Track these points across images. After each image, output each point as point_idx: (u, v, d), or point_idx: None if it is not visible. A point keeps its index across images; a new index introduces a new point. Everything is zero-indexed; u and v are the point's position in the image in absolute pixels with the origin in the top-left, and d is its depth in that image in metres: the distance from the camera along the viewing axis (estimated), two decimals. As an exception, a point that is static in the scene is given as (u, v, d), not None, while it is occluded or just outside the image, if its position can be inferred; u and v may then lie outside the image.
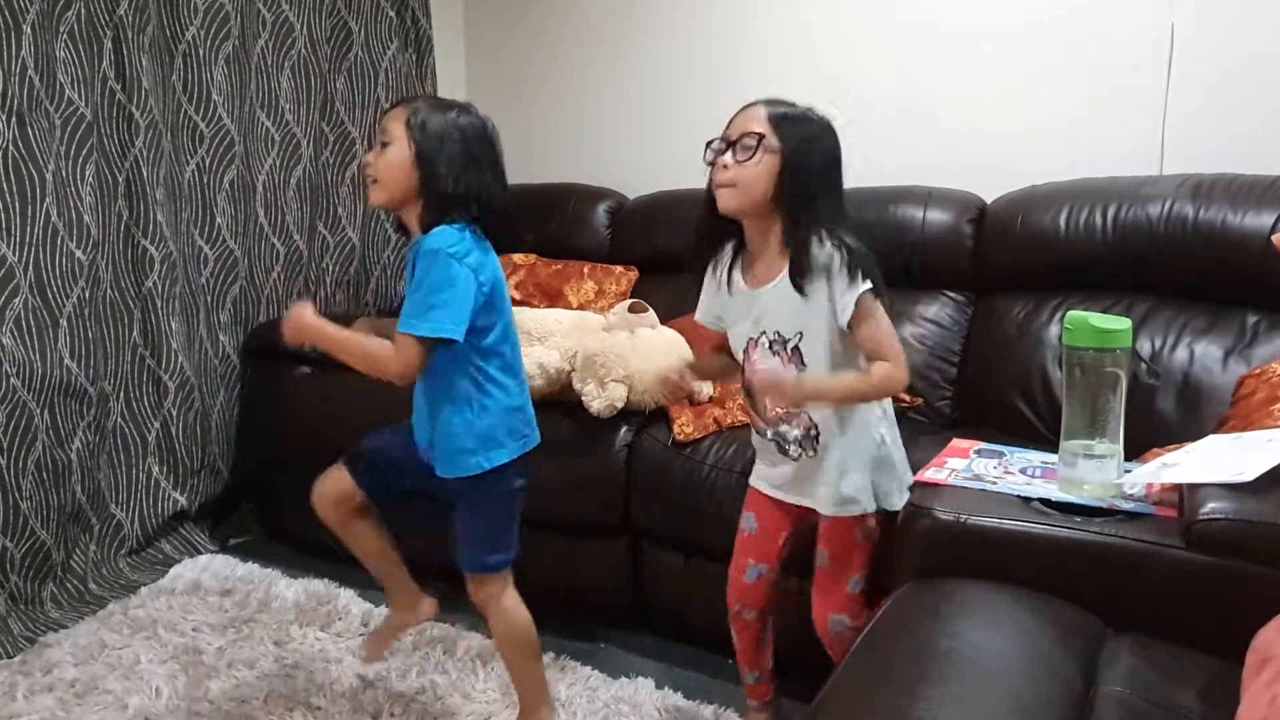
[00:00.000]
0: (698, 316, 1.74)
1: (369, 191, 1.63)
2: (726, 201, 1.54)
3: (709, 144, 1.57)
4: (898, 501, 1.56)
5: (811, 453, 1.58)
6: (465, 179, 1.57)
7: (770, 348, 1.57)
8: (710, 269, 1.69)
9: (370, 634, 1.98)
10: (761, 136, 1.50)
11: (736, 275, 1.63)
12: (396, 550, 1.83)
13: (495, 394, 1.63)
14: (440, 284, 1.51)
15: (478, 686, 1.96)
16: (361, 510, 1.75)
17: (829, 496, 1.57)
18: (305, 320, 1.59)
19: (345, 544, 1.80)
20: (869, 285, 1.47)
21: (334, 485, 1.73)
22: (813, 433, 1.57)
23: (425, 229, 1.56)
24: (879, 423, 1.59)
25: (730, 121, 1.56)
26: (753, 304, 1.59)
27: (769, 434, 1.63)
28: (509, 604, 1.75)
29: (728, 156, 1.53)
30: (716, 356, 1.77)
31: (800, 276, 1.49)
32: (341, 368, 1.61)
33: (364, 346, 1.56)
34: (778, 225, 1.54)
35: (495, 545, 1.71)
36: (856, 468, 1.56)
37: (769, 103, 1.55)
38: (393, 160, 1.57)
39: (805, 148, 1.51)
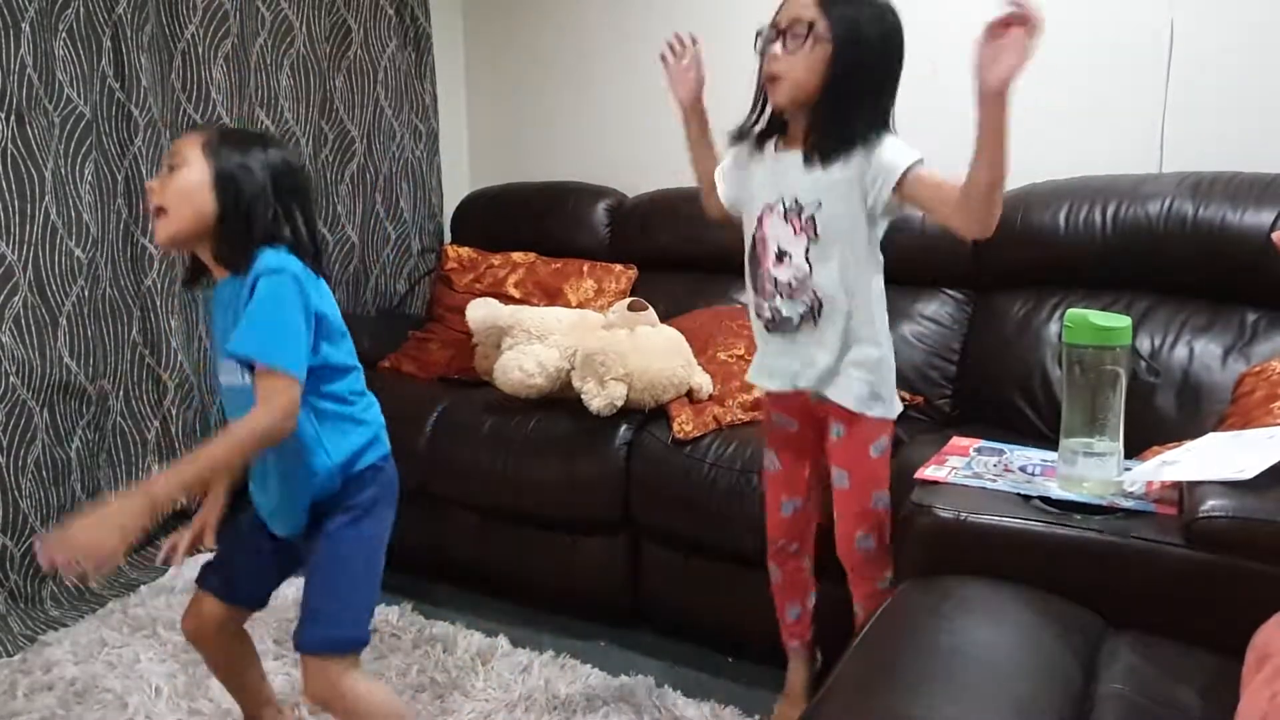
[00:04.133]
0: (718, 187, 1.71)
1: (154, 225, 1.41)
2: (778, 95, 1.50)
3: (758, 33, 1.52)
4: (894, 411, 1.59)
5: (813, 327, 1.56)
6: (272, 209, 1.39)
7: (785, 215, 1.54)
8: (738, 151, 1.65)
9: None
10: (811, 25, 1.44)
11: (769, 145, 1.59)
12: (259, 664, 1.69)
13: (348, 413, 1.46)
14: (290, 310, 1.33)
15: (477, 685, 1.96)
16: (244, 637, 1.62)
17: (844, 380, 1.56)
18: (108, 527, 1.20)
19: (219, 675, 1.66)
20: (912, 161, 1.45)
21: (198, 619, 1.56)
22: (816, 308, 1.55)
23: (232, 264, 1.39)
24: (885, 334, 1.60)
25: (781, 6, 1.50)
26: (775, 170, 1.56)
27: (766, 309, 1.61)
28: (364, 692, 1.45)
29: (777, 46, 1.47)
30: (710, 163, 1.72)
31: (824, 147, 1.48)
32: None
33: (230, 441, 1.32)
34: (824, 103, 1.49)
35: (355, 613, 1.45)
36: (864, 368, 1.56)
37: None
38: (184, 183, 1.38)
39: (860, 31, 1.43)
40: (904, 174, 1.46)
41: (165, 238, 1.42)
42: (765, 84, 1.52)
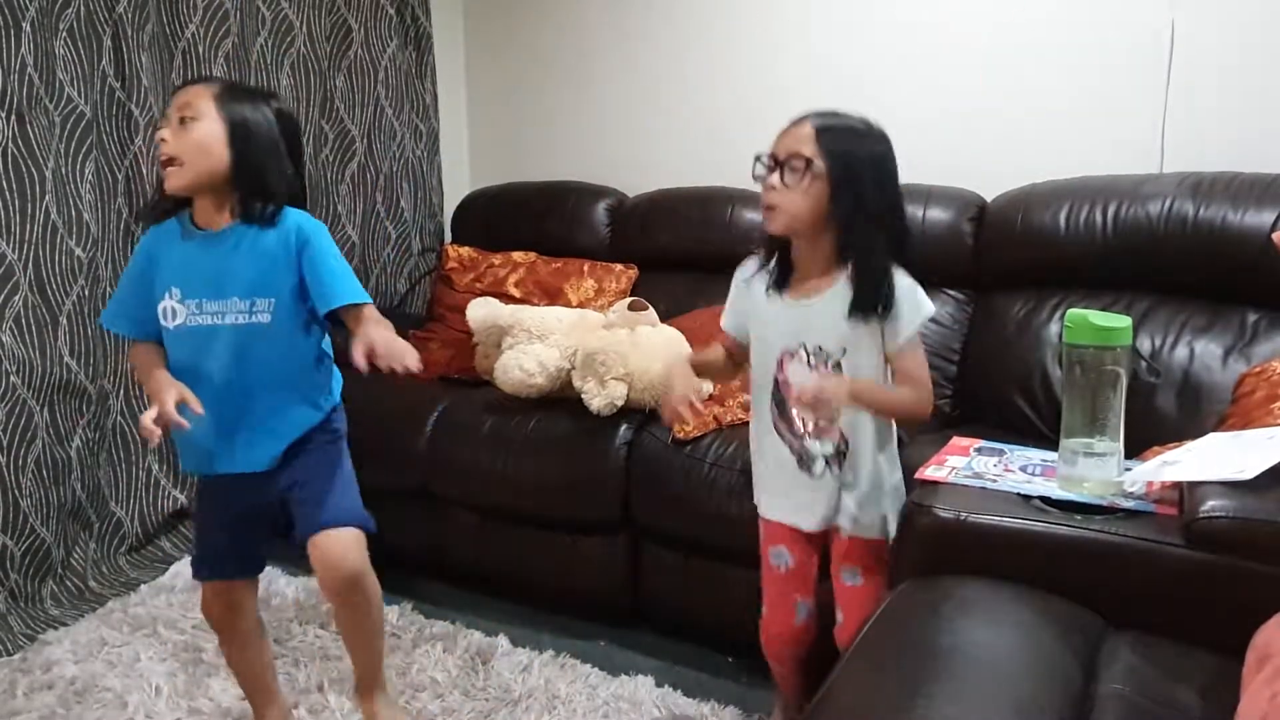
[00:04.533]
0: (724, 324, 1.69)
1: (165, 174, 1.48)
2: (773, 224, 1.51)
3: (757, 158, 1.52)
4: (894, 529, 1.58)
5: (837, 469, 1.56)
6: (282, 164, 1.51)
7: (809, 361, 1.54)
8: (742, 277, 1.64)
9: None
10: (809, 162, 1.46)
11: (773, 288, 1.58)
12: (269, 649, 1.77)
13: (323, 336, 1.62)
14: (340, 257, 1.54)
15: (477, 684, 1.96)
16: (255, 616, 1.69)
17: (867, 517, 1.56)
18: None
19: (231, 660, 1.72)
20: (909, 335, 1.50)
21: (220, 602, 1.64)
22: (842, 449, 1.55)
23: (251, 215, 1.50)
24: (895, 447, 1.60)
25: (780, 137, 1.51)
26: (794, 317, 1.55)
27: (795, 447, 1.59)
28: (366, 563, 1.56)
29: (774, 178, 1.49)
30: (715, 352, 1.72)
31: (866, 307, 1.48)
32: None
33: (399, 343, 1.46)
34: (827, 242, 1.50)
35: (357, 499, 1.59)
36: (887, 493, 1.57)
37: (818, 116, 1.50)
38: (201, 138, 1.45)
39: (855, 169, 1.46)
40: (906, 339, 1.51)
41: (177, 187, 1.48)
42: (763, 212, 1.53)
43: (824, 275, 1.53)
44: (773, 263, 1.58)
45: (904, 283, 1.51)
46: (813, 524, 1.59)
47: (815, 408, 1.48)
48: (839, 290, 1.51)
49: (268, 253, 1.50)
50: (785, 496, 1.62)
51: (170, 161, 1.46)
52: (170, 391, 1.44)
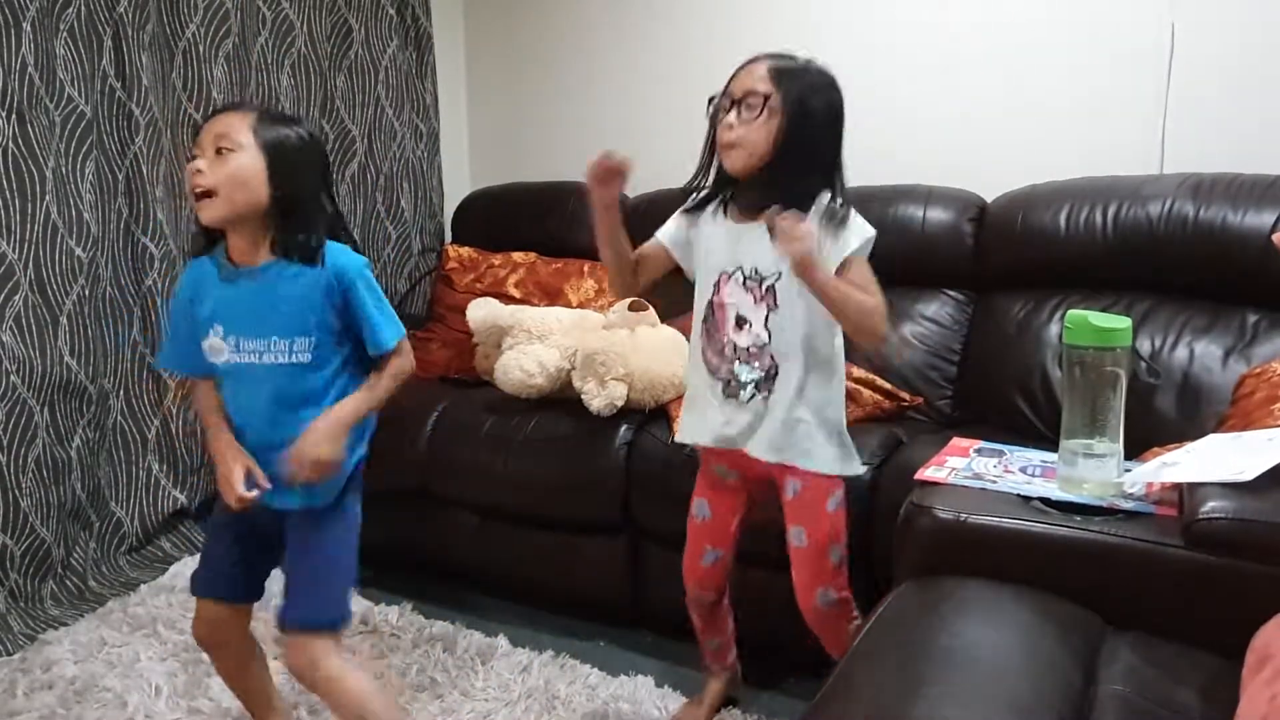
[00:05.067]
0: (659, 235, 1.72)
1: (198, 207, 1.42)
2: (733, 162, 1.55)
3: (711, 99, 1.58)
4: (857, 467, 1.63)
5: (766, 394, 1.58)
6: (319, 196, 1.47)
7: (744, 284, 1.58)
8: (693, 212, 1.69)
9: None
10: (767, 97, 1.50)
11: (719, 213, 1.64)
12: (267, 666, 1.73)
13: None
14: (381, 296, 1.51)
15: (477, 684, 1.96)
16: (249, 637, 1.65)
17: (791, 444, 1.57)
18: (327, 443, 1.45)
19: (227, 678, 1.70)
20: (855, 248, 1.51)
21: (211, 624, 1.60)
22: (772, 373, 1.58)
23: (288, 252, 1.45)
24: (839, 388, 1.62)
25: (733, 76, 1.56)
26: (736, 239, 1.60)
27: (721, 371, 1.62)
28: (345, 670, 1.50)
29: (732, 115, 1.53)
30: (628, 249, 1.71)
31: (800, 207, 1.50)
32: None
33: (391, 383, 1.51)
34: (778, 171, 1.53)
35: (339, 591, 1.52)
36: (819, 426, 1.58)
37: (772, 57, 1.54)
38: (238, 170, 1.40)
39: (809, 105, 1.51)
40: (848, 257, 1.53)
41: (213, 219, 1.43)
42: (720, 150, 1.56)
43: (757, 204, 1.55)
44: (708, 184, 1.64)
45: (835, 206, 1.54)
46: (734, 445, 1.62)
47: (787, 239, 1.43)
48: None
49: (307, 293, 1.45)
50: (704, 418, 1.65)
51: (206, 194, 1.41)
52: (238, 468, 1.47)
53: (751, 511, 1.73)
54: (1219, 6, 2.23)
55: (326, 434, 1.45)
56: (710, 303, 1.63)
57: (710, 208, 1.66)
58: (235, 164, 1.40)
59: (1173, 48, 2.28)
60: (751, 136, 1.51)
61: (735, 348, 1.60)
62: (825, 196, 1.55)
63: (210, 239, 1.51)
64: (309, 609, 1.49)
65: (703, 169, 1.64)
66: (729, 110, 1.53)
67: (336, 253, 1.47)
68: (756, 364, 1.59)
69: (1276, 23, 2.17)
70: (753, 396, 1.59)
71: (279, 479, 1.49)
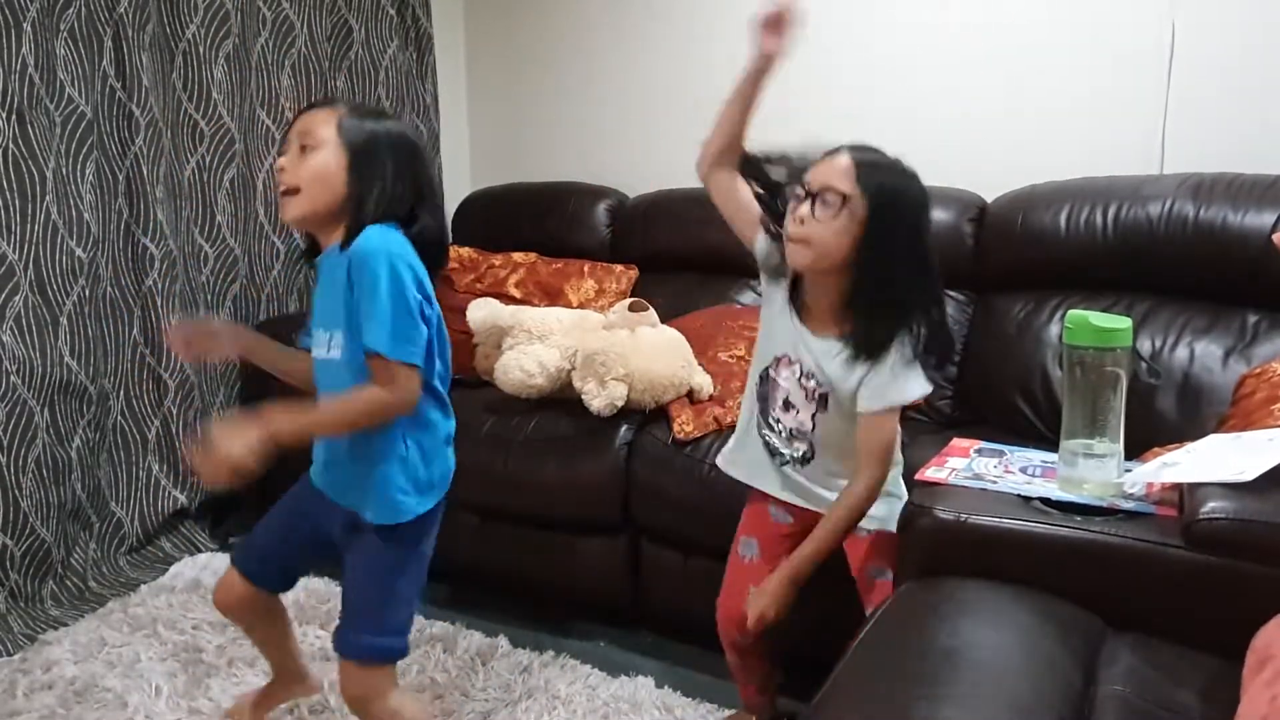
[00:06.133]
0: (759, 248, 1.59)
1: (282, 204, 1.41)
2: (798, 258, 1.45)
3: (786, 185, 1.47)
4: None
5: (800, 468, 1.59)
6: (402, 194, 1.39)
7: (799, 379, 1.55)
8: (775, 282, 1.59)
9: (245, 700, 1.81)
10: (846, 197, 1.40)
11: (789, 302, 1.56)
12: (290, 630, 1.75)
13: (431, 424, 1.47)
14: (398, 296, 1.32)
15: (477, 685, 1.96)
16: (271, 610, 1.67)
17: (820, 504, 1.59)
18: (251, 440, 1.27)
19: (251, 639, 1.74)
20: (893, 404, 1.48)
21: (229, 594, 1.61)
22: (808, 456, 1.59)
23: (349, 238, 1.38)
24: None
25: (816, 165, 1.45)
26: (799, 337, 1.55)
27: (769, 436, 1.62)
28: (397, 705, 1.47)
29: (805, 208, 1.42)
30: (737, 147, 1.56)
31: (860, 352, 1.47)
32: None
33: (351, 408, 1.35)
34: (842, 281, 1.47)
35: (397, 620, 1.46)
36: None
37: (855, 150, 1.43)
38: (321, 167, 1.37)
39: (891, 214, 1.40)
40: (877, 410, 1.49)
41: (295, 217, 1.41)
42: (786, 242, 1.46)
43: (832, 316, 1.51)
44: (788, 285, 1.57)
45: (903, 352, 1.47)
46: (792, 499, 1.62)
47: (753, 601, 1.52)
48: (832, 343, 1.51)
49: (335, 281, 1.38)
50: (758, 468, 1.66)
51: (289, 191, 1.38)
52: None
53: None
54: (1219, 6, 2.23)
55: (242, 433, 1.28)
56: (767, 373, 1.61)
57: (784, 291, 1.57)
58: (317, 161, 1.37)
59: (1173, 48, 2.28)
60: (824, 236, 1.41)
61: (780, 423, 1.60)
62: (905, 341, 1.46)
63: (312, 243, 1.47)
64: (363, 638, 1.45)
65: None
66: (804, 202, 1.42)
67: (371, 235, 1.34)
68: (798, 443, 1.59)
69: (1276, 23, 2.17)
70: (787, 465, 1.61)
71: (332, 482, 1.49)
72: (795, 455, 1.60)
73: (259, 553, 1.61)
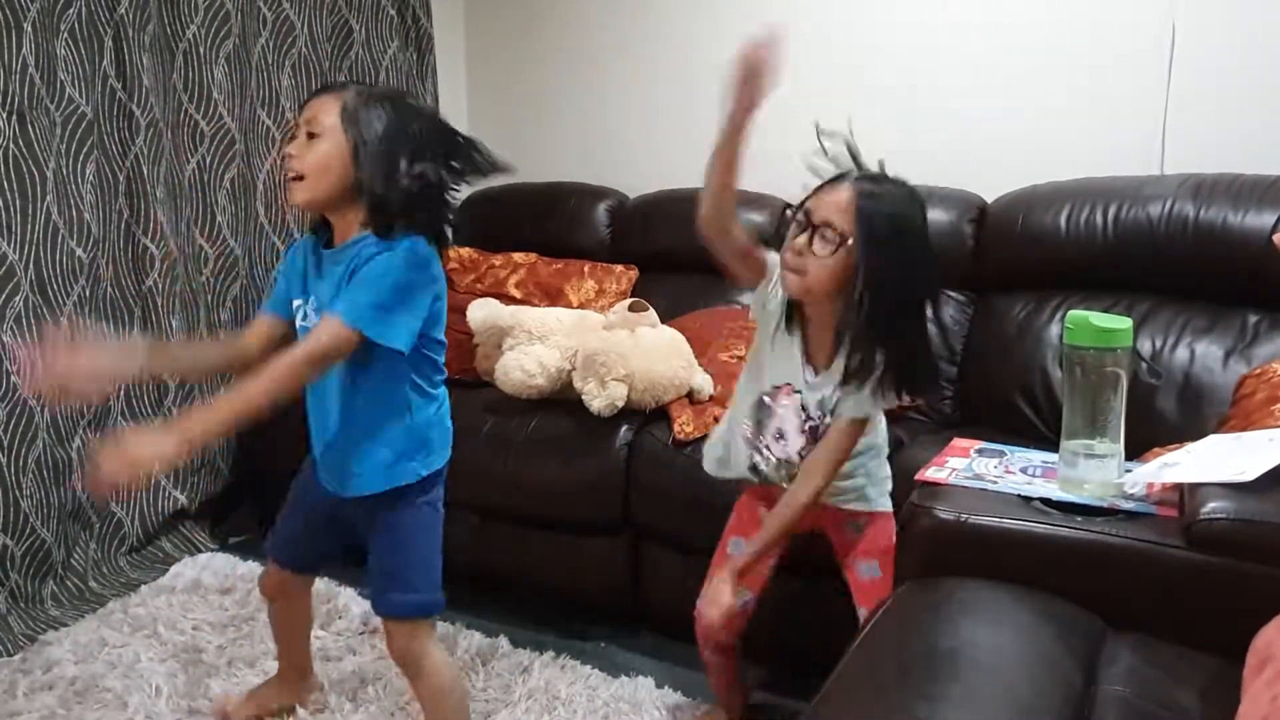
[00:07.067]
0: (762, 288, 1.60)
1: (289, 188, 1.44)
2: (791, 286, 1.48)
3: (789, 209, 1.50)
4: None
5: (787, 484, 1.60)
6: (408, 177, 1.41)
7: (797, 410, 1.57)
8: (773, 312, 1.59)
9: (247, 697, 1.87)
10: (843, 238, 1.41)
11: (785, 329, 1.57)
12: (310, 623, 1.85)
13: (432, 395, 1.54)
14: (403, 287, 1.38)
15: (477, 685, 1.96)
16: (304, 598, 1.79)
17: (849, 492, 1.62)
18: (150, 449, 1.26)
19: (272, 622, 1.83)
20: (868, 415, 1.53)
21: (274, 581, 1.74)
22: (793, 476, 1.60)
23: (381, 231, 1.42)
24: (875, 462, 1.65)
25: (817, 193, 1.46)
26: (799, 368, 1.57)
27: (755, 457, 1.64)
28: (439, 660, 1.58)
29: (803, 240, 1.45)
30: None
31: (857, 379, 1.50)
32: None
33: (259, 381, 1.33)
34: (837, 306, 1.48)
35: (429, 578, 1.55)
36: (869, 472, 1.63)
37: (859, 181, 1.44)
38: (324, 155, 1.40)
39: (886, 253, 1.41)
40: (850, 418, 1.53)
41: (300, 202, 1.45)
42: (782, 267, 1.49)
43: (828, 348, 1.53)
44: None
45: (887, 376, 1.50)
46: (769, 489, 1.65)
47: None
48: (833, 376, 1.53)
49: (344, 274, 1.42)
50: (741, 473, 1.68)
51: (297, 178, 1.42)
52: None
53: (785, 558, 1.70)
54: (1219, 6, 2.23)
55: (154, 439, 1.28)
56: (764, 398, 1.61)
57: (781, 317, 1.58)
58: (320, 148, 1.40)
59: (1173, 48, 2.28)
60: (818, 271, 1.44)
61: (769, 449, 1.62)
62: (880, 365, 1.48)
63: (325, 220, 1.50)
64: (403, 602, 1.53)
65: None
66: (803, 231, 1.45)
67: (410, 241, 1.41)
68: (784, 471, 1.61)
69: (1276, 23, 2.17)
70: (778, 482, 1.63)
71: (325, 465, 1.54)
72: (782, 477, 1.61)
73: (286, 540, 1.71)
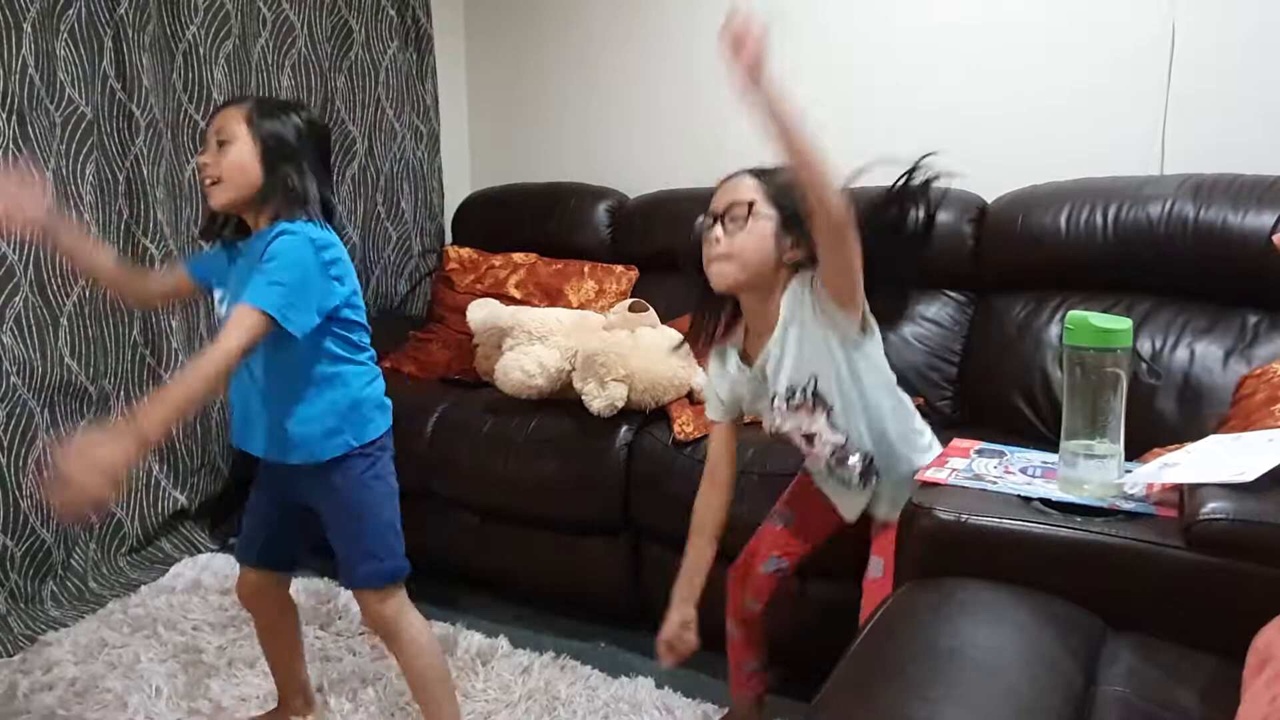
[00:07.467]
0: (713, 415, 1.64)
1: (208, 193, 1.56)
2: (723, 277, 1.48)
3: (697, 221, 1.51)
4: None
5: (876, 479, 1.56)
6: (308, 177, 1.55)
7: (789, 406, 1.53)
8: (715, 359, 1.61)
9: None
10: (751, 203, 1.43)
11: (735, 358, 1.57)
12: (300, 641, 1.84)
13: (357, 366, 1.59)
14: (295, 266, 1.46)
15: (477, 685, 1.96)
16: (284, 606, 1.78)
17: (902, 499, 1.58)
18: (113, 455, 1.25)
19: (261, 642, 1.81)
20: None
21: (248, 586, 1.73)
22: (870, 461, 1.55)
23: (285, 222, 1.53)
24: (912, 415, 1.60)
25: (714, 195, 1.50)
26: (751, 378, 1.55)
27: (828, 474, 1.59)
28: (417, 625, 1.64)
29: (718, 230, 1.47)
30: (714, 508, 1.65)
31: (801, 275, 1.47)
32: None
33: (196, 374, 1.38)
34: (781, 290, 1.48)
35: (388, 546, 1.61)
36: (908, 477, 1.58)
37: (752, 172, 1.49)
38: (235, 159, 1.53)
39: (795, 200, 1.41)
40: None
41: (220, 203, 1.56)
42: (708, 270, 1.49)
43: (765, 339, 1.51)
44: (721, 328, 1.58)
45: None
46: (853, 516, 1.61)
47: (736, 44, 1.26)
48: (773, 346, 1.50)
49: (254, 258, 1.52)
50: (839, 496, 1.62)
51: (216, 182, 1.55)
52: None
53: (822, 539, 1.68)
54: (1219, 6, 2.23)
55: (99, 459, 1.24)
56: (775, 433, 1.59)
57: (725, 361, 1.59)
58: (233, 154, 1.53)
59: (1173, 48, 2.28)
60: (744, 243, 1.45)
61: (819, 459, 1.58)
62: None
63: (214, 220, 1.63)
64: (367, 573, 1.59)
65: (707, 317, 1.58)
66: (712, 227, 1.47)
67: (298, 225, 1.51)
68: (851, 460, 1.55)
69: (1276, 23, 2.17)
70: (867, 484, 1.57)
71: (259, 434, 1.59)
72: (859, 470, 1.55)
73: (250, 540, 1.73)
